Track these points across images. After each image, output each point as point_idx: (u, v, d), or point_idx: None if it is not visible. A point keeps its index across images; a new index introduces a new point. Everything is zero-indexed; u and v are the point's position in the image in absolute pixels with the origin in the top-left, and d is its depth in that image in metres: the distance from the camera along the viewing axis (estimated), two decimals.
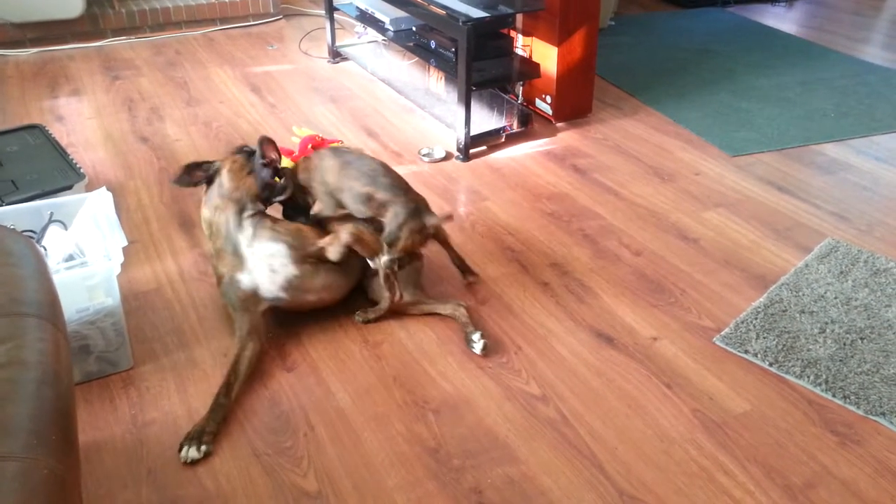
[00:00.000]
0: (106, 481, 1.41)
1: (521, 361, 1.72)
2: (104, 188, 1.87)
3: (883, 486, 1.42)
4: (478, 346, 1.73)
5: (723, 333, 1.80)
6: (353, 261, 1.78)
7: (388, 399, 1.61)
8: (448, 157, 2.68)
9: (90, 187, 2.32)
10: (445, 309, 1.84)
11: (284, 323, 1.83)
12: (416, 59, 3.31)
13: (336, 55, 3.55)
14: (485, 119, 2.86)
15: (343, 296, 1.84)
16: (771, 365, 1.70)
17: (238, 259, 1.70)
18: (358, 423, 1.55)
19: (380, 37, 3.39)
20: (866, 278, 2.01)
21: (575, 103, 2.96)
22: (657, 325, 1.84)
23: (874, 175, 2.58)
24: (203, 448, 1.45)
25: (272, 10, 4.15)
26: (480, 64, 2.69)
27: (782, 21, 4.36)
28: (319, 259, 1.72)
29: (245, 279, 1.69)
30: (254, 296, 1.70)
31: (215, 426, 1.50)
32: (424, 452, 1.48)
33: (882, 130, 2.90)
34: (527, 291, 1.96)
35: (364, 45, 3.65)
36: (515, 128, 2.84)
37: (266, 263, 1.69)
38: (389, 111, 3.05)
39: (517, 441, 1.51)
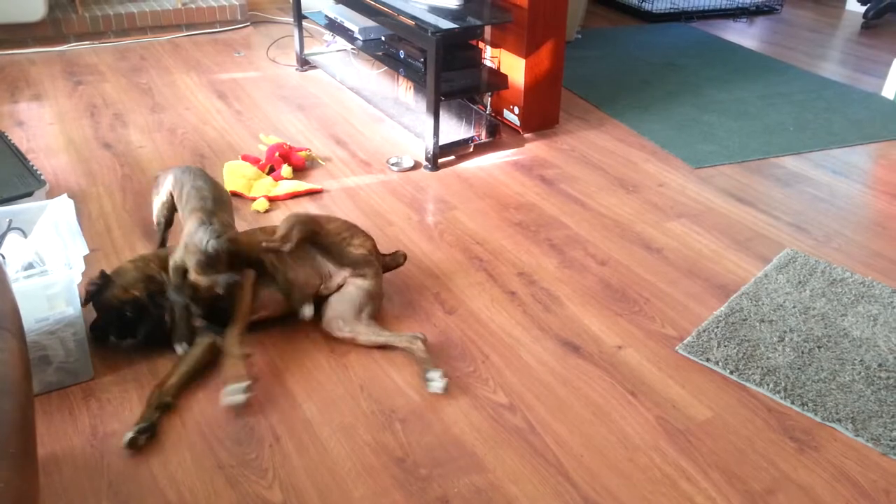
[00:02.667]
0: (65, 494, 1.37)
1: (488, 370, 1.73)
2: (65, 195, 1.84)
3: (839, 492, 1.46)
4: (436, 386, 1.63)
5: (685, 342, 1.84)
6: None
7: (355, 409, 1.61)
8: (416, 166, 2.69)
9: (51, 194, 2.27)
10: (400, 341, 1.74)
11: (249, 333, 1.81)
12: (385, 68, 3.32)
13: (304, 63, 3.54)
14: (453, 129, 2.88)
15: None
16: (732, 373, 1.74)
17: None
18: (324, 434, 1.54)
19: (349, 46, 3.39)
20: (823, 288, 2.07)
21: (542, 114, 2.99)
22: (622, 334, 1.87)
23: (831, 187, 2.66)
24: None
25: (239, 17, 4.12)
26: (449, 74, 2.71)
27: (743, 37, 4.48)
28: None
29: None
30: None
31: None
32: (391, 462, 1.48)
33: (838, 144, 3.00)
34: (494, 300, 1.97)
35: (333, 54, 3.64)
36: (484, 138, 2.86)
37: None
38: (358, 120, 3.05)
39: (484, 449, 1.52)
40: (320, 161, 2.68)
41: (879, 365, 1.78)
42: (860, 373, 1.75)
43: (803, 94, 3.53)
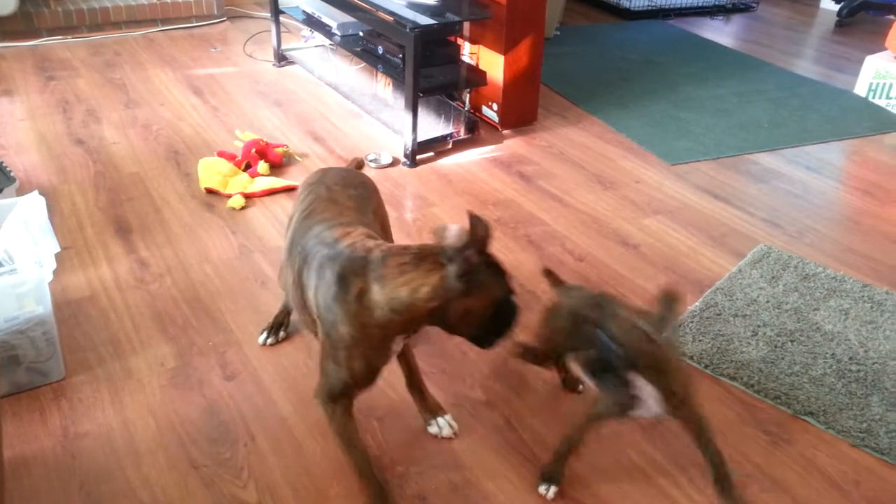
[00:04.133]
0: (34, 497, 1.35)
1: (466, 367, 1.73)
2: (36, 192, 1.80)
3: (811, 483, 1.48)
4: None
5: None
6: None
7: None
8: (395, 162, 2.68)
9: (21, 191, 2.23)
10: None
11: (224, 330, 1.79)
12: (364, 64, 3.30)
13: (282, 59, 3.51)
14: (432, 125, 2.87)
15: None
16: (706, 367, 1.76)
17: None
18: (300, 432, 1.53)
19: (327, 41, 3.37)
20: (796, 283, 2.09)
21: (521, 111, 3.00)
22: None
23: (805, 183, 2.69)
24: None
25: (216, 12, 4.07)
26: (428, 70, 2.70)
27: (720, 34, 4.52)
28: None
29: None
30: None
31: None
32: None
33: (812, 141, 3.04)
34: None
35: (310, 49, 3.62)
36: (462, 134, 2.86)
37: None
38: (336, 116, 3.03)
39: (461, 447, 1.52)
40: (297, 157, 2.66)
41: (850, 358, 1.81)
42: (831, 366, 1.78)
43: (778, 91, 3.57)
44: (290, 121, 2.96)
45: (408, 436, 1.53)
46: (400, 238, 2.21)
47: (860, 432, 1.60)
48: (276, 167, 2.58)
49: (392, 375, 1.69)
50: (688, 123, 3.15)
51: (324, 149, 2.75)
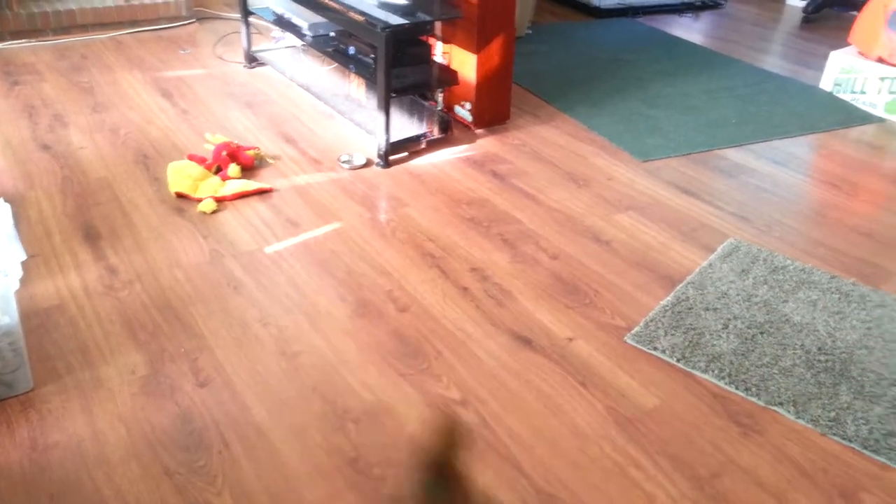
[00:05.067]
0: None
1: (441, 367, 1.73)
2: (1, 199, 1.77)
3: (781, 472, 1.51)
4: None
5: (633, 332, 1.87)
6: None
7: (307, 411, 1.59)
8: (368, 163, 2.68)
9: None
10: None
11: (196, 336, 1.77)
12: (336, 64, 3.28)
13: (252, 60, 3.48)
14: (405, 125, 2.86)
15: None
16: (678, 361, 1.78)
17: None
18: (275, 437, 1.52)
19: (298, 42, 3.35)
20: (765, 275, 2.13)
21: (494, 110, 3.00)
22: (572, 326, 1.89)
23: (773, 178, 2.74)
24: None
25: (185, 13, 4.03)
26: (400, 70, 2.70)
27: (689, 31, 4.57)
28: None
29: None
30: None
31: None
32: (344, 463, 1.47)
33: (780, 135, 3.09)
34: (446, 296, 1.98)
35: (281, 51, 3.59)
36: (436, 134, 2.86)
37: None
38: (308, 117, 3.02)
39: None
40: (269, 160, 2.64)
41: (819, 349, 1.84)
42: (801, 357, 1.81)
43: (746, 87, 3.62)
44: (262, 122, 2.94)
45: (383, 437, 1.53)
46: (374, 239, 2.21)
47: (829, 421, 1.63)
48: (248, 170, 2.56)
49: (368, 376, 1.69)
50: (658, 120, 3.18)
51: (296, 150, 2.74)
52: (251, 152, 2.59)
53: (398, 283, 2.02)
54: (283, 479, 1.42)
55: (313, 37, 3.09)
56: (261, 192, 2.43)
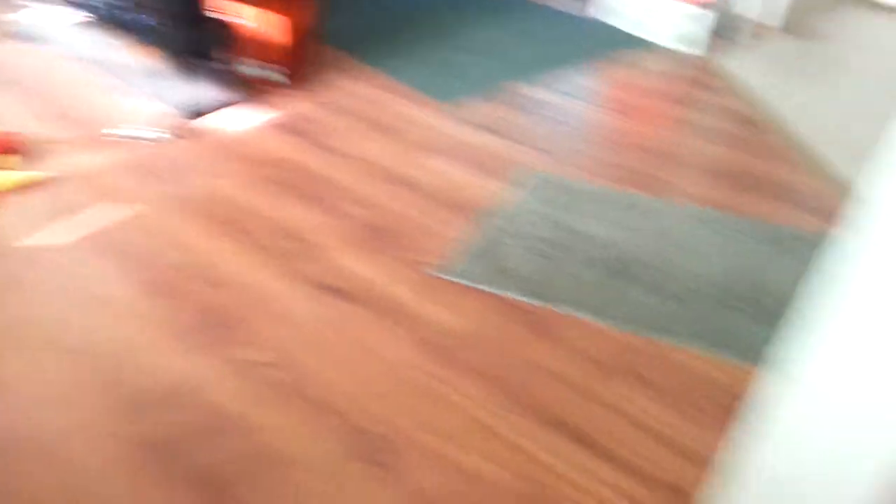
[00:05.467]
0: None
1: (248, 333, 1.69)
2: None
3: (584, 369, 1.63)
4: None
5: (441, 265, 1.92)
6: None
7: (95, 403, 1.48)
8: (167, 134, 2.51)
9: None
10: None
11: None
12: (119, 32, 3.03)
13: (11, 36, 3.12)
14: (204, 93, 2.71)
15: None
16: (485, 285, 1.86)
17: None
18: (65, 438, 1.41)
19: (73, 11, 3.04)
20: (567, 201, 2.26)
21: (301, 70, 2.92)
22: (382, 269, 1.91)
23: (565, 109, 2.90)
24: None
25: None
26: (193, 34, 2.54)
27: None
28: None
29: None
30: None
31: None
32: (149, 451, 1.39)
33: (569, 67, 3.28)
34: (256, 263, 1.92)
35: (50, 21, 3.25)
36: (240, 99, 2.74)
37: None
38: (89, 92, 2.76)
39: (254, 413, 1.48)
40: (43, 145, 2.40)
41: (616, 258, 2.00)
42: (600, 267, 1.96)
43: (546, 30, 3.80)
44: (32, 103, 2.65)
45: (191, 416, 1.47)
46: (178, 218, 2.09)
47: (622, 316, 1.78)
48: (25, 158, 2.31)
49: (168, 357, 1.60)
50: (463, 66, 3.25)
51: (78, 130, 2.51)
52: (18, 138, 2.34)
53: (208, 259, 1.93)
54: (80, 480, 1.33)
55: (86, 4, 2.82)
56: (38, 184, 2.21)
